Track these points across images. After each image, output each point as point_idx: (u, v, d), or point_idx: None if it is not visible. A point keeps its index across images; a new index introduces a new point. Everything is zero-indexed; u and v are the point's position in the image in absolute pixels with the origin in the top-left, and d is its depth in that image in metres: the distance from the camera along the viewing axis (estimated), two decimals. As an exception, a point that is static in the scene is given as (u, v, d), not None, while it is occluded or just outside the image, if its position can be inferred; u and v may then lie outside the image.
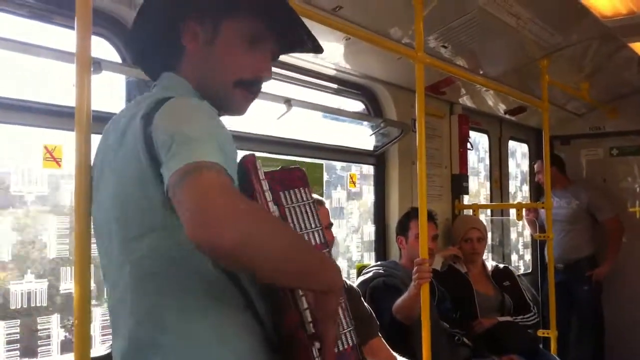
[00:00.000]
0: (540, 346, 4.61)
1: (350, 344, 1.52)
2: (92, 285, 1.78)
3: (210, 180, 1.17)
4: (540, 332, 4.66)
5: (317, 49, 1.69)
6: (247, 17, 1.52)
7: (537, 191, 6.40)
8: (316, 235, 1.56)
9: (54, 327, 2.52)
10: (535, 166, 5.97)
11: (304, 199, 1.57)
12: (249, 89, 1.54)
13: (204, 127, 1.29)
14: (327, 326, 1.36)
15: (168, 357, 1.35)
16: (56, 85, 2.56)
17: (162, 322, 1.36)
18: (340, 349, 1.49)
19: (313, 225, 1.57)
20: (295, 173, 1.61)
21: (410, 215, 3.98)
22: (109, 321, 1.54)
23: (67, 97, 2.41)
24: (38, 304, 2.48)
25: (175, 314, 1.35)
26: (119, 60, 2.71)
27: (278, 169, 1.60)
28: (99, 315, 2.62)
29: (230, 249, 1.13)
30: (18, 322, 2.44)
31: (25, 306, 2.45)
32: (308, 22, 2.76)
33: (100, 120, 1.75)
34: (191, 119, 1.31)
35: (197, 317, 1.36)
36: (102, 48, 2.69)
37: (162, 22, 1.55)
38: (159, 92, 1.50)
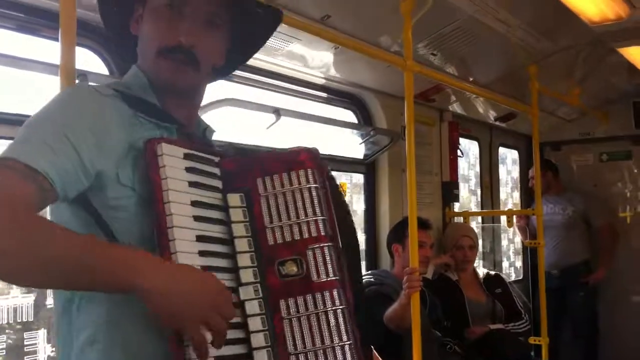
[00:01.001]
0: (532, 354, 4.60)
1: None
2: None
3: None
4: (532, 340, 4.65)
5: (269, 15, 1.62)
6: None
7: (529, 197, 6.40)
8: (312, 226, 1.37)
9: (41, 342, 2.50)
10: (530, 172, 5.97)
11: (299, 183, 1.39)
12: (172, 57, 1.42)
13: (51, 120, 1.28)
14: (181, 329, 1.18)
15: None
16: (43, 97, 2.54)
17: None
18: None
19: (311, 214, 1.37)
20: (293, 155, 1.43)
21: (407, 223, 3.96)
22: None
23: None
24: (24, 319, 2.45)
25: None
26: (106, 72, 2.69)
27: (269, 151, 1.49)
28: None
29: None
30: (4, 337, 2.41)
31: (12, 321, 2.42)
32: (297, 32, 2.77)
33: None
34: (46, 111, 1.31)
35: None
36: (89, 60, 2.67)
37: (117, 19, 1.57)
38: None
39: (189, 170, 1.33)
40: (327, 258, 1.36)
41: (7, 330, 2.44)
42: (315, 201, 1.39)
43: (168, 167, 1.29)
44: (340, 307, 1.34)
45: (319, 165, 1.45)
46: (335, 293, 1.35)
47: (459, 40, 3.75)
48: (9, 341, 2.45)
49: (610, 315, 5.96)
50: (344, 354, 1.32)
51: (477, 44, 3.89)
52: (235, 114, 3.22)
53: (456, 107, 5.02)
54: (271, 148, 1.69)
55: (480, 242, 5.07)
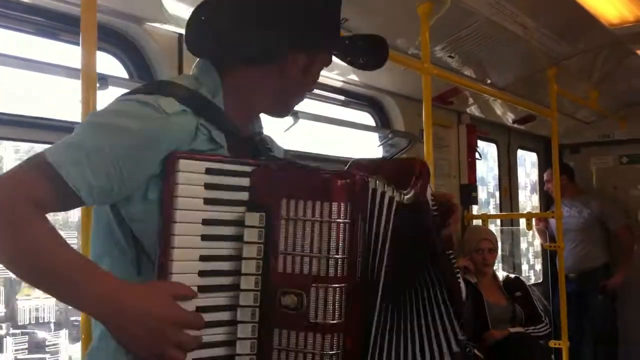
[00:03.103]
0: (553, 357, 4.57)
1: None
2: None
3: (15, 172, 1.25)
4: (552, 343, 4.62)
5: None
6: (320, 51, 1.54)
7: (547, 200, 6.36)
8: (326, 263, 1.28)
9: (63, 342, 2.53)
10: (545, 175, 5.94)
11: (330, 215, 1.29)
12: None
13: (101, 131, 1.30)
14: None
15: None
16: (63, 101, 2.58)
17: None
18: None
19: (334, 252, 1.28)
20: (325, 183, 1.32)
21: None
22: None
23: (74, 113, 2.43)
24: (46, 320, 2.49)
25: None
26: (126, 76, 2.72)
27: (307, 168, 1.42)
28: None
29: None
30: (26, 337, 2.44)
31: (33, 322, 2.46)
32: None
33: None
34: (100, 120, 1.34)
35: None
36: (110, 64, 2.71)
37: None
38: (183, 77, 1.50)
39: (208, 186, 1.30)
40: (337, 301, 1.28)
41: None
42: (339, 237, 1.29)
43: (182, 186, 1.28)
44: (332, 352, 1.27)
45: (358, 196, 1.34)
46: (333, 338, 1.28)
47: (476, 43, 3.74)
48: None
49: (630, 319, 5.91)
50: None
51: (495, 47, 3.88)
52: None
53: (474, 110, 5.00)
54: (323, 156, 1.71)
55: (499, 245, 5.05)
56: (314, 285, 1.27)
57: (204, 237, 1.29)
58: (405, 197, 1.48)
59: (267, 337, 1.28)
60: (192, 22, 1.51)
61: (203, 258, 1.28)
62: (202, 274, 1.28)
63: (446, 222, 1.69)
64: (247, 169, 1.34)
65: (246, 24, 1.46)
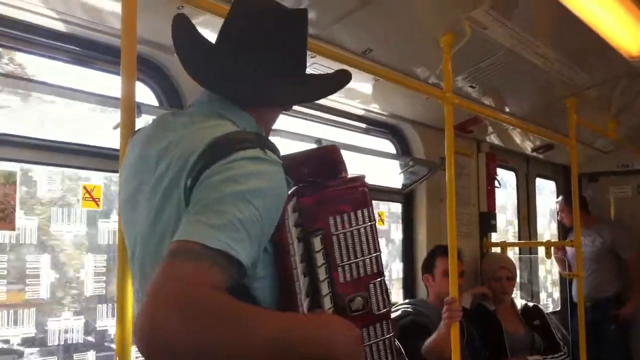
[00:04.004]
0: (571, 386, 4.55)
1: None
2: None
3: (182, 274, 1.15)
4: (570, 372, 4.60)
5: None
6: None
7: (563, 229, 6.35)
8: (373, 262, 1.45)
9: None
10: (557, 205, 5.95)
11: (363, 221, 1.46)
12: None
13: (250, 199, 1.25)
14: None
15: None
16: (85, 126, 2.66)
17: None
18: None
19: (371, 251, 1.46)
20: (358, 191, 1.48)
21: (435, 253, 3.99)
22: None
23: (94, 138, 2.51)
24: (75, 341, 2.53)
25: None
26: (156, 104, 2.79)
27: (334, 184, 1.47)
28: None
29: (144, 348, 1.11)
30: (55, 358, 2.49)
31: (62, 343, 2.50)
32: (339, 65, 2.84)
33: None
34: (236, 188, 1.26)
35: None
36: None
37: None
38: (218, 122, 1.46)
39: (296, 225, 1.39)
40: (384, 290, 1.47)
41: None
42: (375, 238, 1.48)
43: (292, 231, 1.37)
44: (391, 334, 1.46)
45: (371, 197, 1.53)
46: (388, 322, 1.47)
47: (497, 73, 3.78)
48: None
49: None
50: None
51: (515, 77, 3.91)
52: (278, 144, 3.30)
53: (493, 138, 5.04)
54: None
55: (517, 273, 5.05)
56: (371, 283, 1.45)
57: (304, 274, 1.39)
58: None
59: None
60: (197, 53, 1.60)
61: (307, 295, 1.38)
62: (308, 310, 1.39)
63: None
64: (295, 199, 1.41)
65: (281, 73, 1.59)
